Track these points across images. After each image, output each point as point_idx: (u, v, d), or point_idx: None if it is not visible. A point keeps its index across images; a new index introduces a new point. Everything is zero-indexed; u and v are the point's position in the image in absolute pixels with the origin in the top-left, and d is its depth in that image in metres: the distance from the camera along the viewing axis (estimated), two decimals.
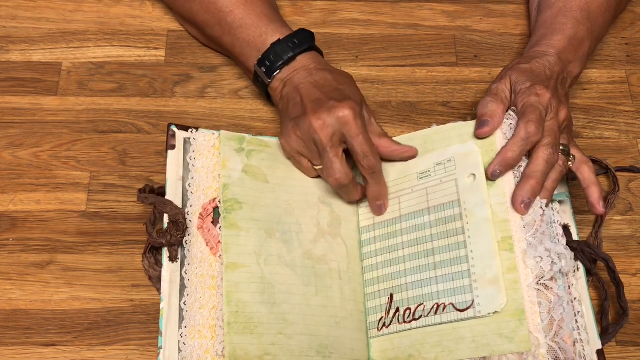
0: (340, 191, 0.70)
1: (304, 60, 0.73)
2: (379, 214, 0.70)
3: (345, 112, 0.67)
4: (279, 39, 0.73)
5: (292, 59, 0.72)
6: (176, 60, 0.82)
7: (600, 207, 0.69)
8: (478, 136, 0.69)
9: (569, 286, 0.65)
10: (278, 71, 0.72)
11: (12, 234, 0.71)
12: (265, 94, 0.76)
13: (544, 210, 0.66)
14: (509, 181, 0.68)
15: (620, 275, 0.69)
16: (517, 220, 0.66)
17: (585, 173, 0.69)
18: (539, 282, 0.64)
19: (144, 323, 0.67)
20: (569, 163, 0.69)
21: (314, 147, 0.68)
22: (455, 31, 0.86)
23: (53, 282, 0.69)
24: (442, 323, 0.64)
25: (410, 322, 0.65)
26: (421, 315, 0.65)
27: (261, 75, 0.73)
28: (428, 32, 0.86)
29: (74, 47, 0.82)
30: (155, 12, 0.85)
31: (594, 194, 0.69)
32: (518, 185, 0.66)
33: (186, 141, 0.71)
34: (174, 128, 0.71)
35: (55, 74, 0.80)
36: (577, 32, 0.74)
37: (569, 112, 0.69)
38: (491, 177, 0.67)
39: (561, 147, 0.68)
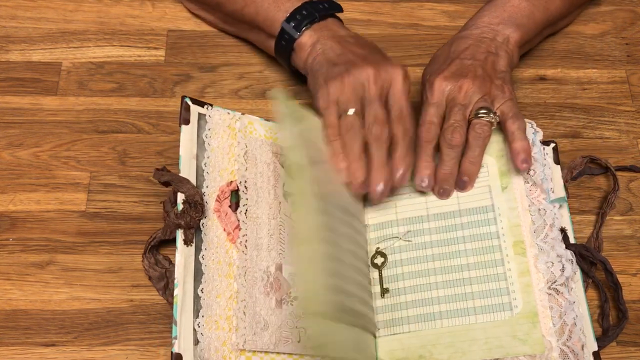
0: (375, 144, 0.66)
1: (335, 24, 0.74)
2: (381, 198, 0.66)
3: (398, 71, 0.68)
4: (311, 0, 0.74)
5: (324, 17, 0.74)
6: (176, 60, 0.82)
7: (521, 163, 0.67)
8: None
9: (569, 290, 0.66)
10: (309, 25, 0.73)
11: (11, 234, 0.71)
12: (287, 58, 0.75)
13: (554, 214, 0.67)
14: (519, 186, 0.69)
15: (620, 275, 0.69)
16: (527, 225, 0.67)
17: (509, 127, 0.68)
18: (551, 287, 0.65)
19: (144, 323, 0.67)
20: (492, 121, 0.68)
21: (357, 94, 0.67)
22: (455, 31, 0.85)
23: (53, 282, 0.69)
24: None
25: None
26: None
27: (289, 30, 0.73)
28: (428, 32, 0.86)
29: (74, 47, 0.82)
30: (155, 12, 0.85)
31: (516, 150, 0.68)
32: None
33: (201, 117, 0.68)
34: (188, 101, 0.68)
35: (55, 74, 0.80)
36: (508, 0, 0.75)
37: (474, 80, 0.68)
38: (421, 188, 0.69)
39: (482, 111, 0.68)
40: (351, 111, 0.67)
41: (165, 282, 0.68)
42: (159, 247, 0.69)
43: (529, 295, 0.64)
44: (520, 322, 0.64)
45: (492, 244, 0.67)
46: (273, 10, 0.75)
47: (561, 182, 0.71)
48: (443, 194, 0.69)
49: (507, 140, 0.69)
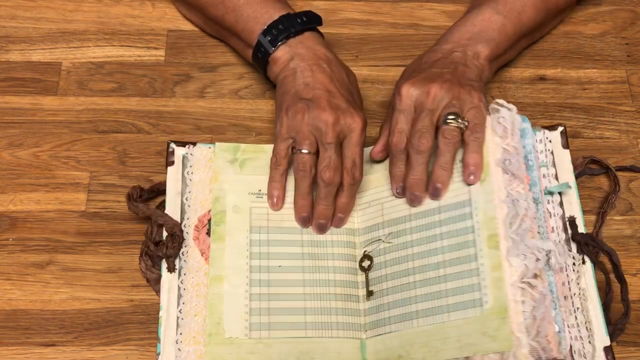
0: (324, 189, 0.69)
1: (313, 39, 0.74)
2: (322, 232, 0.70)
3: (358, 122, 0.69)
4: (289, 13, 0.74)
5: (301, 32, 0.74)
6: (176, 60, 0.82)
7: (468, 177, 0.67)
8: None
9: (564, 282, 0.65)
10: (284, 40, 0.73)
11: (12, 234, 0.71)
12: (262, 68, 0.76)
13: (528, 204, 0.66)
14: (497, 180, 0.67)
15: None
16: (502, 217, 0.65)
17: (466, 137, 0.68)
18: (523, 280, 0.63)
19: (144, 323, 0.67)
20: (461, 127, 0.67)
21: (314, 135, 0.68)
22: None
23: (53, 282, 0.69)
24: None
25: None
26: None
27: (265, 44, 0.74)
28: (428, 32, 0.85)
29: (74, 47, 0.82)
30: (155, 12, 0.85)
31: (465, 161, 0.67)
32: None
33: (185, 157, 0.72)
34: (173, 145, 0.72)
35: (55, 74, 0.80)
36: (480, 14, 0.76)
37: (442, 85, 0.68)
38: (398, 195, 0.70)
39: (450, 117, 0.67)
40: (305, 150, 0.68)
41: (160, 292, 0.68)
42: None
43: (500, 290, 0.63)
44: (490, 318, 0.62)
45: (467, 239, 0.66)
46: (252, 21, 0.75)
47: (570, 166, 0.71)
48: (414, 200, 0.69)
49: (463, 149, 0.68)
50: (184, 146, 0.72)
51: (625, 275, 0.71)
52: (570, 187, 0.70)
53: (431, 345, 0.63)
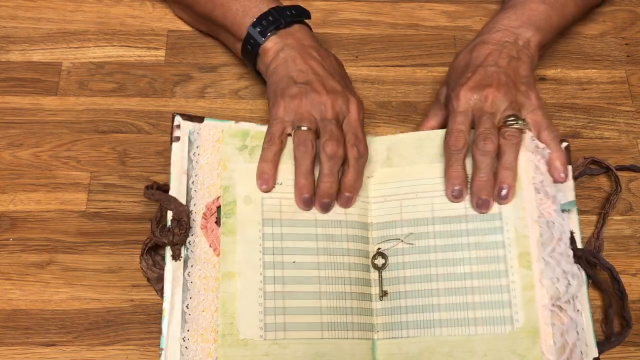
0: (327, 163, 0.67)
1: (302, 31, 0.74)
2: (326, 212, 0.68)
3: (354, 102, 0.69)
4: (277, 6, 0.74)
5: (290, 24, 0.74)
6: (176, 60, 0.82)
7: (559, 176, 0.68)
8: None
9: (573, 297, 0.65)
10: (274, 31, 0.73)
11: (12, 234, 0.71)
12: (252, 61, 0.75)
13: (563, 228, 0.66)
14: (529, 196, 0.66)
15: (620, 275, 0.69)
16: (535, 237, 0.65)
17: (545, 138, 0.69)
18: (554, 304, 0.63)
19: (144, 323, 0.67)
20: (522, 128, 0.68)
21: (313, 115, 0.68)
22: (456, 31, 0.86)
23: (53, 282, 0.69)
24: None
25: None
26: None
27: (255, 35, 0.73)
28: (428, 32, 0.86)
29: (74, 47, 0.82)
30: (155, 12, 0.85)
31: (554, 162, 0.69)
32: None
33: (191, 133, 0.69)
34: (178, 119, 0.69)
35: (55, 74, 0.80)
36: (526, 3, 0.75)
37: (499, 88, 0.68)
38: (453, 198, 0.68)
39: (510, 119, 0.68)
40: (305, 127, 0.67)
41: (164, 284, 0.67)
42: (157, 248, 0.69)
43: (531, 311, 0.62)
44: (521, 337, 0.62)
45: (497, 254, 0.65)
46: (240, 15, 0.75)
47: (572, 183, 0.70)
48: (482, 205, 0.67)
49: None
50: (191, 121, 0.69)
51: (625, 275, 0.71)
52: (575, 205, 0.69)
53: (455, 356, 0.62)
